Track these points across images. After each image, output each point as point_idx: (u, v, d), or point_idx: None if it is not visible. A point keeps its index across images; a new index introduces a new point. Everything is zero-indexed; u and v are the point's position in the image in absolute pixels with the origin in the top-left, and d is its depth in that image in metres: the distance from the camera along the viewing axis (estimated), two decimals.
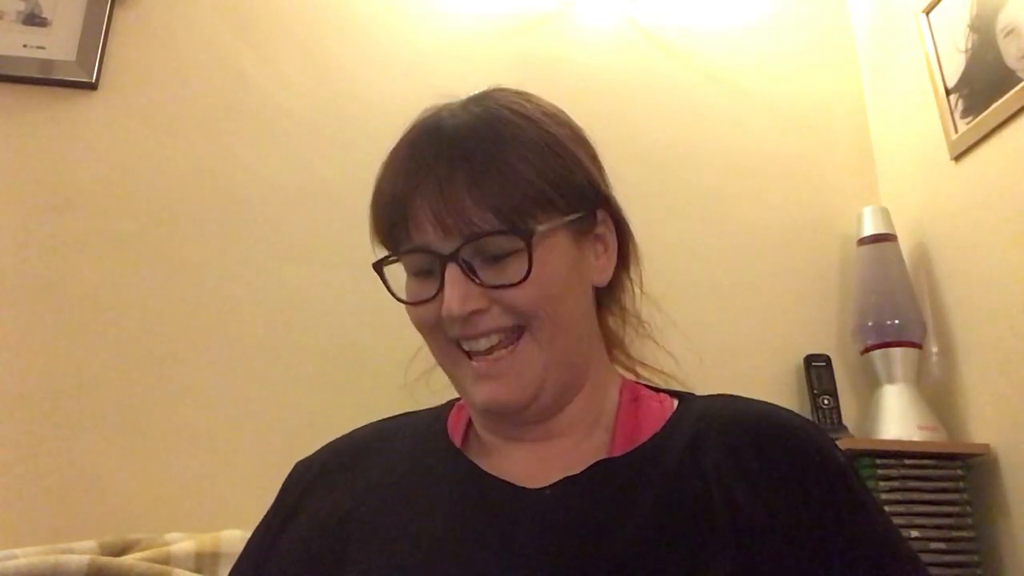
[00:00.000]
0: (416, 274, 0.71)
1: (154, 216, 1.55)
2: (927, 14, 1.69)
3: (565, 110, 0.77)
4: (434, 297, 0.68)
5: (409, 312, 0.72)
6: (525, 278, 0.66)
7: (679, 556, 0.61)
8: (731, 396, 0.75)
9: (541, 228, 0.67)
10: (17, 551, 1.07)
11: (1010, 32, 1.48)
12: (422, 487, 0.72)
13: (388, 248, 0.72)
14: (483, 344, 0.69)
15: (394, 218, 0.69)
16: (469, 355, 0.69)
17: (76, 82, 1.59)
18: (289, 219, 1.59)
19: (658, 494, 0.65)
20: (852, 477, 0.70)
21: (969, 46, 1.58)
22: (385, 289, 0.72)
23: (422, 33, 1.76)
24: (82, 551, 1.08)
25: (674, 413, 0.73)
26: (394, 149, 0.72)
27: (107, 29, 1.63)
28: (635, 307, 0.81)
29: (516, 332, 0.68)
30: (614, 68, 1.80)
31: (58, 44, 1.61)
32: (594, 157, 0.76)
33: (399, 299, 0.72)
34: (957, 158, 1.59)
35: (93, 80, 1.60)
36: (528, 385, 0.69)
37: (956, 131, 1.58)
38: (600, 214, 0.75)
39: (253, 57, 1.68)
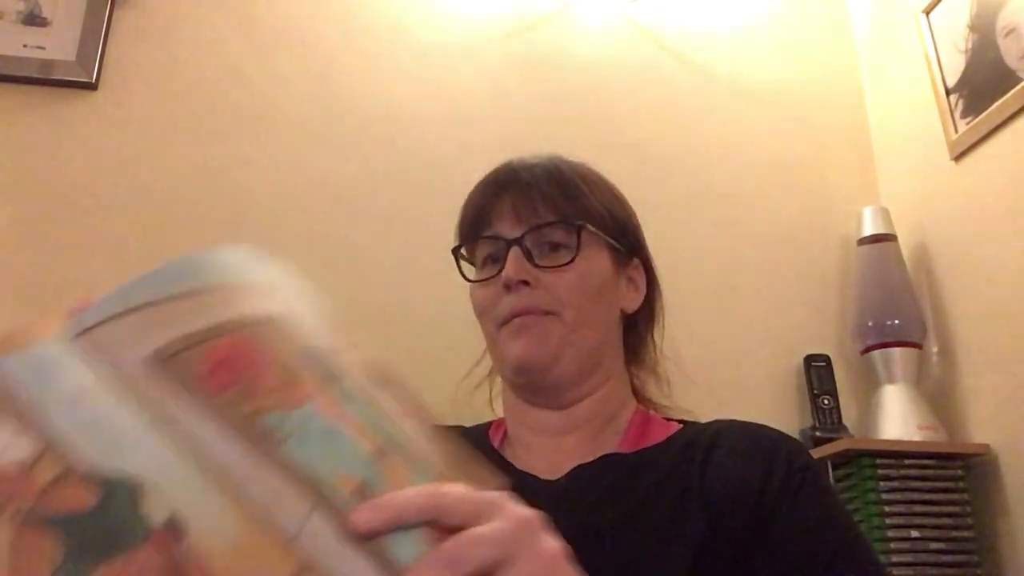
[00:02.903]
0: (484, 261, 0.88)
1: (154, 216, 1.54)
2: (927, 14, 1.69)
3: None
4: (494, 277, 0.85)
5: (472, 294, 0.89)
6: (570, 262, 0.84)
7: (663, 520, 0.76)
8: (731, 419, 0.88)
9: (590, 228, 0.86)
10: None
11: (1010, 32, 1.49)
12: None
13: (468, 242, 0.91)
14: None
15: (481, 212, 0.89)
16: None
17: (76, 82, 1.59)
18: (289, 219, 1.59)
19: (652, 480, 0.79)
20: (820, 474, 0.81)
21: (969, 46, 1.58)
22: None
23: (422, 33, 1.76)
24: None
25: (678, 431, 0.87)
26: (485, 176, 0.92)
27: (107, 29, 1.63)
28: (658, 364, 0.96)
29: (548, 315, 0.84)
30: (614, 68, 1.79)
31: (58, 44, 1.61)
32: (638, 222, 0.94)
33: (468, 279, 0.90)
34: (957, 158, 1.59)
35: (93, 80, 1.59)
36: (549, 349, 0.83)
37: (956, 131, 1.58)
38: (636, 261, 0.92)
39: (253, 57, 1.68)
